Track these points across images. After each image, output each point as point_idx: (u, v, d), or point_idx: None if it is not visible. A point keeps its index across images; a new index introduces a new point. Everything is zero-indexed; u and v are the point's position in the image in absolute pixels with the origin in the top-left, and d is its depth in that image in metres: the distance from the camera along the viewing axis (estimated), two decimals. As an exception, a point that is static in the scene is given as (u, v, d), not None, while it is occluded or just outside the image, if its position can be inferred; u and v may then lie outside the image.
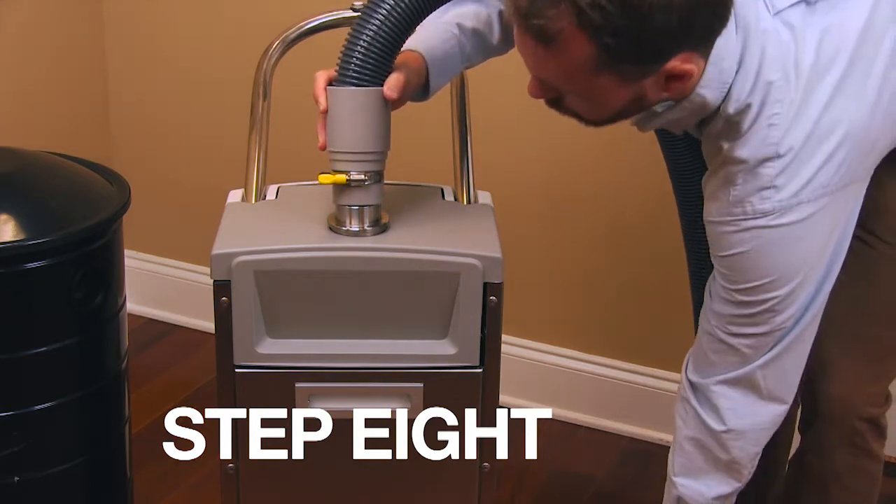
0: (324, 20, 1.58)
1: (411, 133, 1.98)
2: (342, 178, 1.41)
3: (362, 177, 1.41)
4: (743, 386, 1.50)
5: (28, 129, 2.53)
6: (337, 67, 1.40)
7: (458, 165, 1.61)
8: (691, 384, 1.55)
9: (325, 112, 1.41)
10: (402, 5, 1.36)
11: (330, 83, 1.41)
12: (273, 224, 1.49)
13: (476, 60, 1.57)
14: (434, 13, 1.45)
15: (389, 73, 1.40)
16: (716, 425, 1.52)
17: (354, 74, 1.38)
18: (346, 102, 1.39)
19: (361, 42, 1.37)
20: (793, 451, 1.79)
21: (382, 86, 1.39)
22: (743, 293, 1.42)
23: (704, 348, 1.51)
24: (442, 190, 1.61)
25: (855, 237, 1.51)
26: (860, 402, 1.61)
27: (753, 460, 1.56)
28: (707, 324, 1.50)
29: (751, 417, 1.51)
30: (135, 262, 2.85)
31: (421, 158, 2.10)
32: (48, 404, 1.66)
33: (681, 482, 1.58)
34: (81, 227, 1.61)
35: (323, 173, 1.42)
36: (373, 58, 1.38)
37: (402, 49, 1.43)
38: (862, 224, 1.51)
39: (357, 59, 1.38)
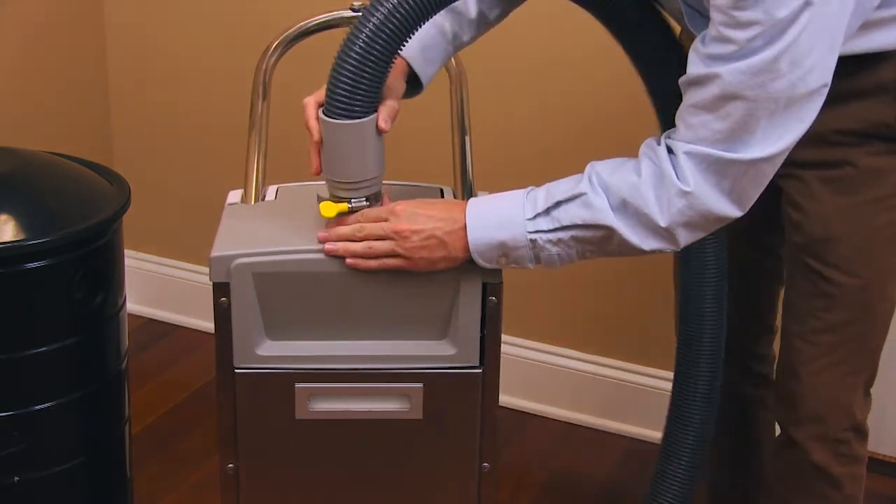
0: (324, 20, 1.58)
1: (411, 133, 1.98)
2: (344, 206, 1.41)
3: (364, 202, 1.42)
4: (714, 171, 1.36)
5: (28, 129, 2.53)
6: (325, 94, 1.38)
7: (458, 165, 1.61)
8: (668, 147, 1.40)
9: (319, 142, 1.40)
10: (390, 25, 1.34)
11: (321, 108, 1.39)
12: (272, 225, 1.49)
13: (466, 37, 1.56)
14: None
15: (380, 97, 1.38)
16: (683, 185, 1.35)
17: (344, 107, 1.36)
18: (339, 135, 1.38)
19: (347, 70, 1.35)
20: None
21: (374, 112, 1.38)
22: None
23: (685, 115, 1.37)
24: (442, 190, 1.61)
25: (812, 271, 1.54)
26: (840, 416, 1.61)
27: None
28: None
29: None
30: (135, 262, 2.86)
31: (421, 158, 2.10)
32: (48, 404, 1.66)
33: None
34: (81, 227, 1.62)
35: (322, 201, 1.42)
36: (362, 88, 1.35)
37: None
38: (817, 256, 1.53)
39: (345, 90, 1.35)
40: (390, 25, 1.34)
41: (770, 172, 1.35)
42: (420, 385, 1.47)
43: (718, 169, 1.33)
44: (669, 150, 1.35)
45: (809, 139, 1.44)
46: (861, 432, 1.64)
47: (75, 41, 2.71)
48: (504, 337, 1.52)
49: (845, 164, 1.51)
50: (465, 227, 1.39)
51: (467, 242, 1.39)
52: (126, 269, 1.79)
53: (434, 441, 1.51)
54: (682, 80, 1.34)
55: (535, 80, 2.38)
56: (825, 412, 1.60)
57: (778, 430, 1.69)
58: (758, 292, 1.77)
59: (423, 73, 1.50)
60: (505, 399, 2.17)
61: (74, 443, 1.72)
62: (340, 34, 1.58)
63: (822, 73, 1.30)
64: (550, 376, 2.54)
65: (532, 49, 2.35)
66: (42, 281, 1.60)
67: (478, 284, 1.43)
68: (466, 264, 1.41)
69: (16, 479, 1.66)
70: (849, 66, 1.43)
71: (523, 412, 2.56)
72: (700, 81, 1.31)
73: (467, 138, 1.60)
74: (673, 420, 1.61)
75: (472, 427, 1.51)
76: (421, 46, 1.50)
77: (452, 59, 1.58)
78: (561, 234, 1.38)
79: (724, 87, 1.29)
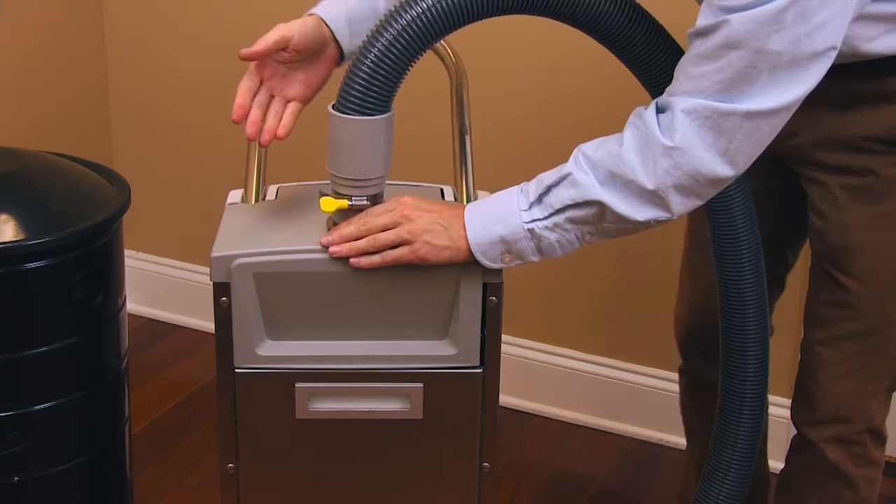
0: (324, 20, 1.58)
1: (411, 133, 1.98)
2: (344, 203, 1.41)
3: (364, 202, 1.42)
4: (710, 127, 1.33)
5: (28, 129, 2.53)
6: (340, 89, 1.38)
7: (458, 165, 1.61)
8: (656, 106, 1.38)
9: (258, 55, 1.42)
10: (410, 32, 1.34)
11: (333, 106, 1.39)
12: (273, 225, 1.49)
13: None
14: None
15: (393, 97, 1.38)
16: (667, 139, 1.33)
17: (357, 103, 1.36)
18: (349, 131, 1.38)
19: (365, 66, 1.35)
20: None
21: (387, 112, 1.38)
22: None
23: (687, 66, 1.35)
24: (442, 190, 1.61)
25: (832, 280, 1.55)
26: (857, 419, 1.61)
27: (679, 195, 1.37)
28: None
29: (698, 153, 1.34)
30: (135, 262, 2.86)
31: (421, 158, 2.10)
32: (48, 404, 1.66)
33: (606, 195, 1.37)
34: (81, 226, 1.62)
35: (324, 195, 1.42)
36: (377, 86, 1.35)
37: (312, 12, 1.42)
38: (837, 265, 1.54)
39: (360, 86, 1.35)
40: (416, 26, 1.34)
41: (767, 132, 1.33)
42: (420, 385, 1.47)
43: (715, 124, 1.31)
44: (661, 110, 1.34)
45: (836, 143, 1.43)
46: (879, 436, 1.64)
47: (75, 41, 2.71)
48: (504, 337, 1.52)
49: (868, 173, 1.50)
50: (463, 225, 1.40)
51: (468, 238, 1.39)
52: (126, 269, 1.79)
53: (434, 441, 1.51)
54: (689, 31, 1.34)
55: (537, 80, 2.38)
56: (842, 415, 1.60)
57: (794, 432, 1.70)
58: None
59: (348, 47, 1.48)
60: (505, 399, 2.17)
61: (74, 443, 1.72)
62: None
63: (830, 36, 1.29)
64: (550, 376, 2.54)
65: (533, 48, 2.35)
66: (42, 281, 1.60)
67: (478, 284, 1.43)
68: (467, 264, 1.41)
69: (16, 479, 1.66)
70: (878, 67, 1.43)
71: (524, 412, 2.56)
72: (707, 31, 1.30)
73: (467, 138, 1.60)
74: (718, 440, 1.60)
75: (472, 427, 1.51)
76: (349, 19, 1.47)
77: (453, 59, 1.58)
78: (556, 219, 1.38)
79: (730, 34, 1.28)
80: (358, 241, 1.40)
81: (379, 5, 1.50)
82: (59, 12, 2.64)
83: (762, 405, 1.58)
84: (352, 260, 1.40)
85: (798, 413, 1.66)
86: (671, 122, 1.32)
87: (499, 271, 1.43)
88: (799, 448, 1.67)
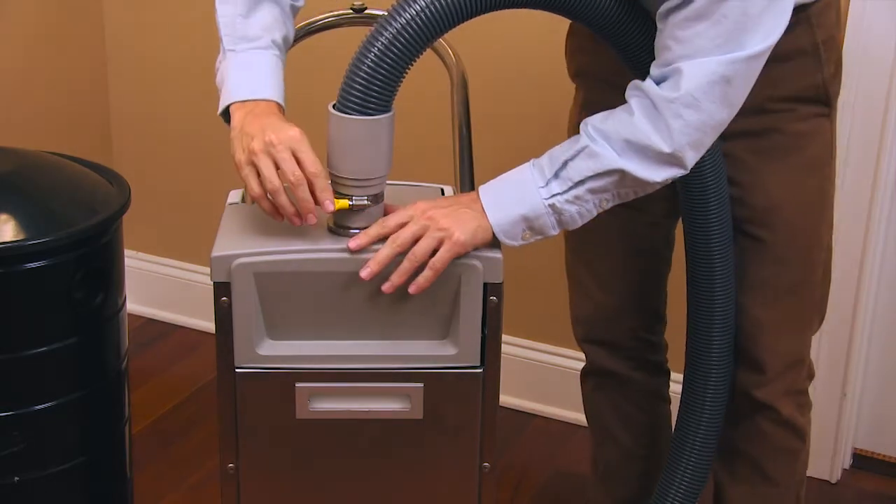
0: (324, 20, 1.58)
1: (411, 133, 1.98)
2: (345, 202, 1.41)
3: (365, 202, 1.42)
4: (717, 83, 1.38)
5: (28, 129, 2.53)
6: (340, 89, 1.38)
7: (458, 165, 1.61)
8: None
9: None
10: (409, 31, 1.34)
11: (333, 106, 1.39)
12: (273, 225, 1.49)
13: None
14: (233, 25, 1.47)
15: (394, 96, 1.38)
16: (670, 92, 1.37)
17: (358, 103, 1.36)
18: (350, 131, 1.38)
19: (365, 66, 1.35)
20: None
21: (389, 111, 1.38)
22: None
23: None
24: (442, 190, 1.61)
25: (760, 241, 1.59)
26: (801, 368, 1.67)
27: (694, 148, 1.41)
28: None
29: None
30: (135, 262, 2.86)
31: (421, 158, 2.10)
32: (48, 404, 1.66)
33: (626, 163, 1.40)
34: (81, 226, 1.62)
35: None
36: (378, 85, 1.35)
37: (253, 97, 1.44)
38: (763, 225, 1.58)
39: (361, 86, 1.36)
40: (416, 25, 1.34)
41: (756, 71, 1.39)
42: (420, 385, 1.47)
43: (723, 77, 1.36)
44: (659, 81, 1.38)
45: (743, 109, 1.47)
46: (812, 376, 1.72)
47: (75, 41, 2.71)
48: (504, 337, 1.53)
49: (772, 132, 1.55)
50: (482, 208, 1.42)
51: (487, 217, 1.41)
52: (126, 269, 1.79)
53: (434, 441, 1.51)
54: (661, 10, 1.37)
55: (537, 80, 2.38)
56: (787, 368, 1.65)
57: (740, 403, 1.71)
58: (654, 281, 1.80)
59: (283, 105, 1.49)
60: (505, 399, 2.17)
61: (74, 443, 1.72)
62: (340, 34, 1.58)
63: None
64: (550, 376, 2.54)
65: (533, 48, 2.35)
66: (42, 281, 1.60)
67: (479, 284, 1.44)
68: (467, 263, 1.41)
69: (16, 479, 1.66)
70: None
71: (524, 412, 2.56)
72: None
73: (468, 138, 1.60)
74: (681, 424, 1.65)
75: (473, 427, 1.51)
76: (279, 85, 1.49)
77: (453, 59, 1.59)
78: (576, 191, 1.40)
79: None
80: (402, 265, 1.39)
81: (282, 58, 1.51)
82: (58, 12, 2.64)
83: (728, 373, 1.62)
84: (410, 288, 1.39)
85: (743, 380, 1.67)
86: (676, 84, 1.36)
87: (499, 271, 1.44)
88: (744, 416, 1.69)
